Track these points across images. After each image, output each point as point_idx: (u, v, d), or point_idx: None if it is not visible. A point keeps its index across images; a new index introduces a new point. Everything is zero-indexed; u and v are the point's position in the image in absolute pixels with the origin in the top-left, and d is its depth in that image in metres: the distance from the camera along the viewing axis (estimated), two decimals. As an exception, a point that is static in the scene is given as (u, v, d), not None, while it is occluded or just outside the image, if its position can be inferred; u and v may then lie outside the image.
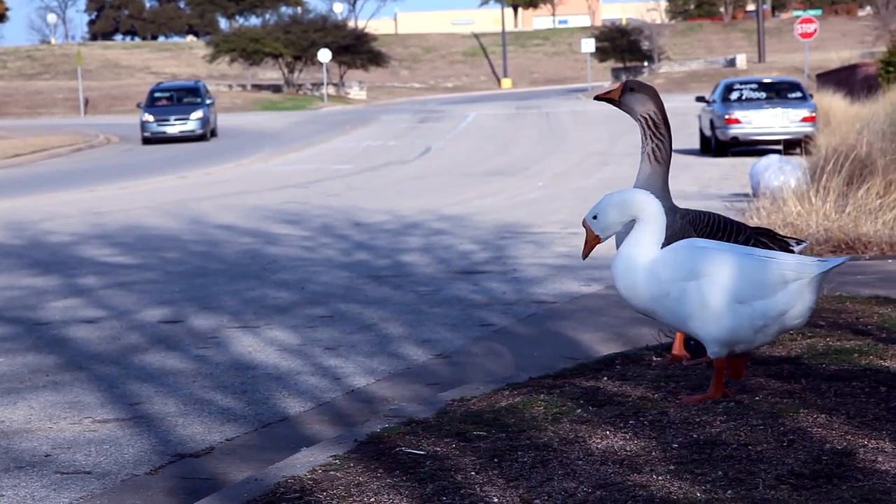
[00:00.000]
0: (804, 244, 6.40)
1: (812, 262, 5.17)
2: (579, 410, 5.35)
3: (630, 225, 5.33)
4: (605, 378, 6.09)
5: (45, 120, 68.71)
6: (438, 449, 4.90)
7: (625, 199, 5.31)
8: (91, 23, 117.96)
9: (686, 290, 5.14)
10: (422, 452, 4.87)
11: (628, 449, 4.74)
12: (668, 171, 6.21)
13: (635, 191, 5.39)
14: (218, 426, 6.61)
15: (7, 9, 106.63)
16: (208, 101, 50.66)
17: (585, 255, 5.41)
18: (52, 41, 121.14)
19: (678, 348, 6.56)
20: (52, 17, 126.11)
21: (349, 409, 6.90)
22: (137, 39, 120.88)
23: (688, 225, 6.00)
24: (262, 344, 8.94)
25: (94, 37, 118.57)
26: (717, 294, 5.10)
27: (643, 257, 5.24)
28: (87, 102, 75.70)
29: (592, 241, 5.36)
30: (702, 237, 5.88)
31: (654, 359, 6.64)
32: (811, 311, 5.23)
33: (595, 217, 5.32)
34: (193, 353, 8.69)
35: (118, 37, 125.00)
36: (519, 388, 6.05)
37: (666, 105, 6.36)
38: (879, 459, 4.44)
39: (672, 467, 4.46)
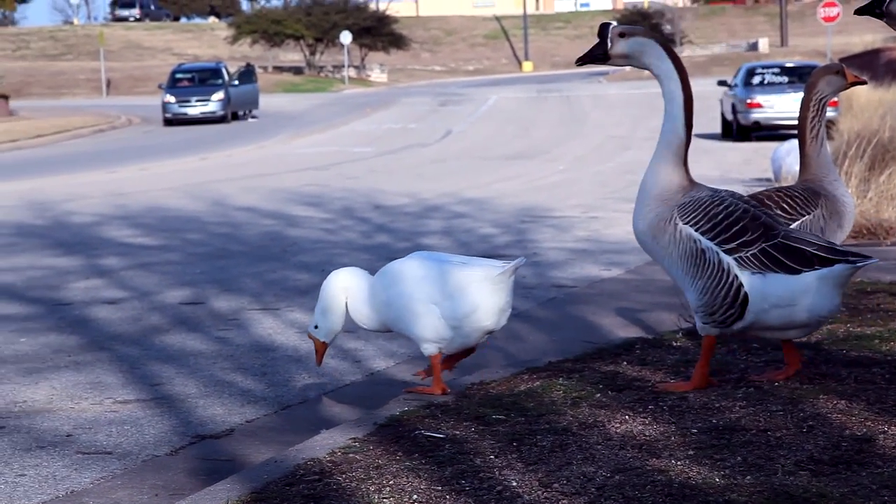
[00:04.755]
0: None
1: (494, 265, 5.63)
2: (598, 395, 5.36)
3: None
4: (625, 362, 6.10)
5: (68, 101, 68.85)
6: (457, 432, 4.92)
7: (322, 300, 5.87)
8: (113, 3, 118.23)
9: (392, 296, 5.71)
10: (441, 436, 4.88)
11: (647, 434, 4.74)
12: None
13: (324, 286, 5.90)
14: (238, 408, 6.63)
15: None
16: (234, 83, 50.57)
17: (319, 362, 6.01)
18: (76, 22, 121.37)
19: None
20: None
21: (369, 392, 6.91)
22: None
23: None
24: (283, 326, 8.96)
25: (116, 18, 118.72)
26: (413, 297, 5.64)
27: (363, 291, 5.83)
28: (108, 83, 75.77)
29: (321, 347, 5.93)
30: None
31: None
32: (504, 312, 5.65)
33: (316, 326, 5.89)
34: (214, 334, 8.72)
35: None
36: (538, 372, 6.06)
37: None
38: (899, 446, 4.44)
39: (691, 452, 4.46)
